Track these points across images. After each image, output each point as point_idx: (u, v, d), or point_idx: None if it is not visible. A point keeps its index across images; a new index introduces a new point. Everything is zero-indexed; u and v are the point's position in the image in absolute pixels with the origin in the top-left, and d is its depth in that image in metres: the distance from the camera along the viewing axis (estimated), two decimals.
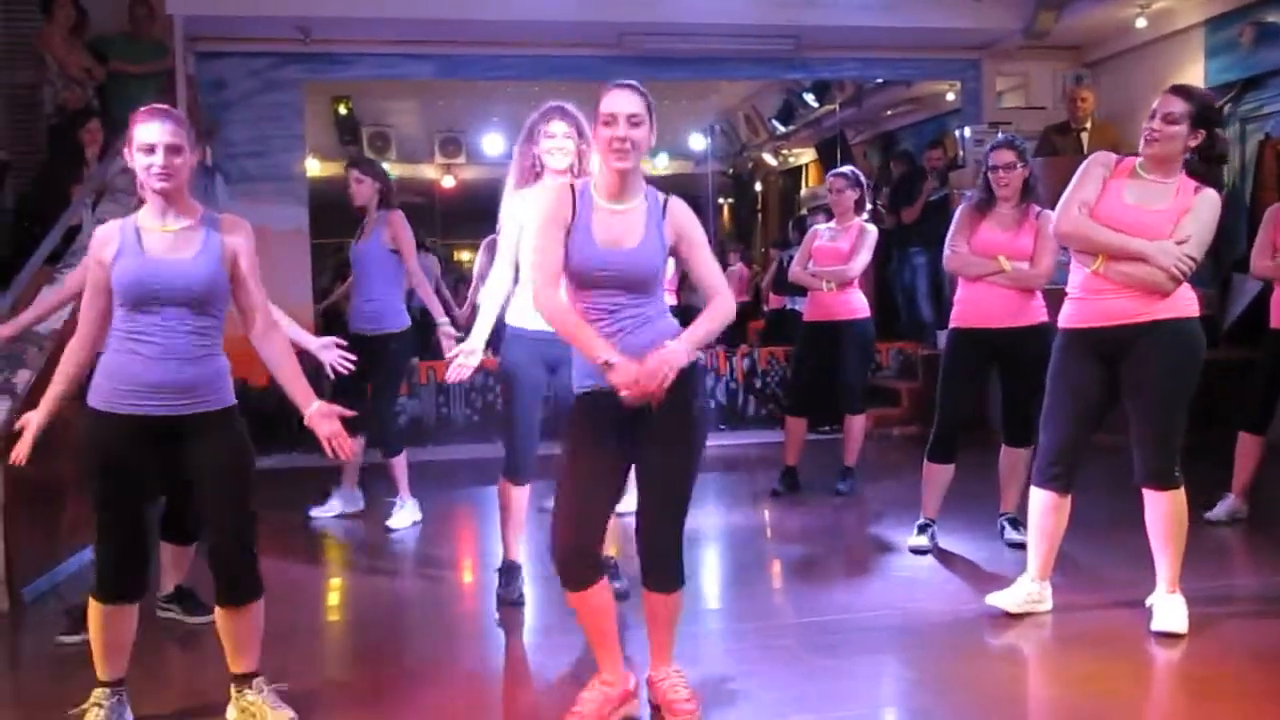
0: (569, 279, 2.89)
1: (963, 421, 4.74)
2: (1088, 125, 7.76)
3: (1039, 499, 3.76)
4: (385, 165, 11.73)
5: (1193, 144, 3.49)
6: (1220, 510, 5.01)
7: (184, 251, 2.91)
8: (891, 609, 4.03)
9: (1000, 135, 4.97)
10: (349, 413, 3.09)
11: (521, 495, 4.10)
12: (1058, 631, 3.74)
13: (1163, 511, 3.56)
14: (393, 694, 3.32)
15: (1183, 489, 3.56)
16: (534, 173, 3.92)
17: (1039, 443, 3.84)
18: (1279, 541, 4.91)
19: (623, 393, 2.75)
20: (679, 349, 2.81)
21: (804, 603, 4.24)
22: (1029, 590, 3.82)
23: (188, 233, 2.93)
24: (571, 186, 2.96)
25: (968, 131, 8.39)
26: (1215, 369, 6.58)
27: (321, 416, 3.02)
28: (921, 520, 4.81)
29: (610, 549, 4.21)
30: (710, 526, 5.62)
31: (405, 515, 5.54)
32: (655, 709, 3.04)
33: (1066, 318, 3.69)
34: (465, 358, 3.98)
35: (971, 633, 3.75)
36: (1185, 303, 3.54)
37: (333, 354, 4.11)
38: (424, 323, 6.06)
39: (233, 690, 3.05)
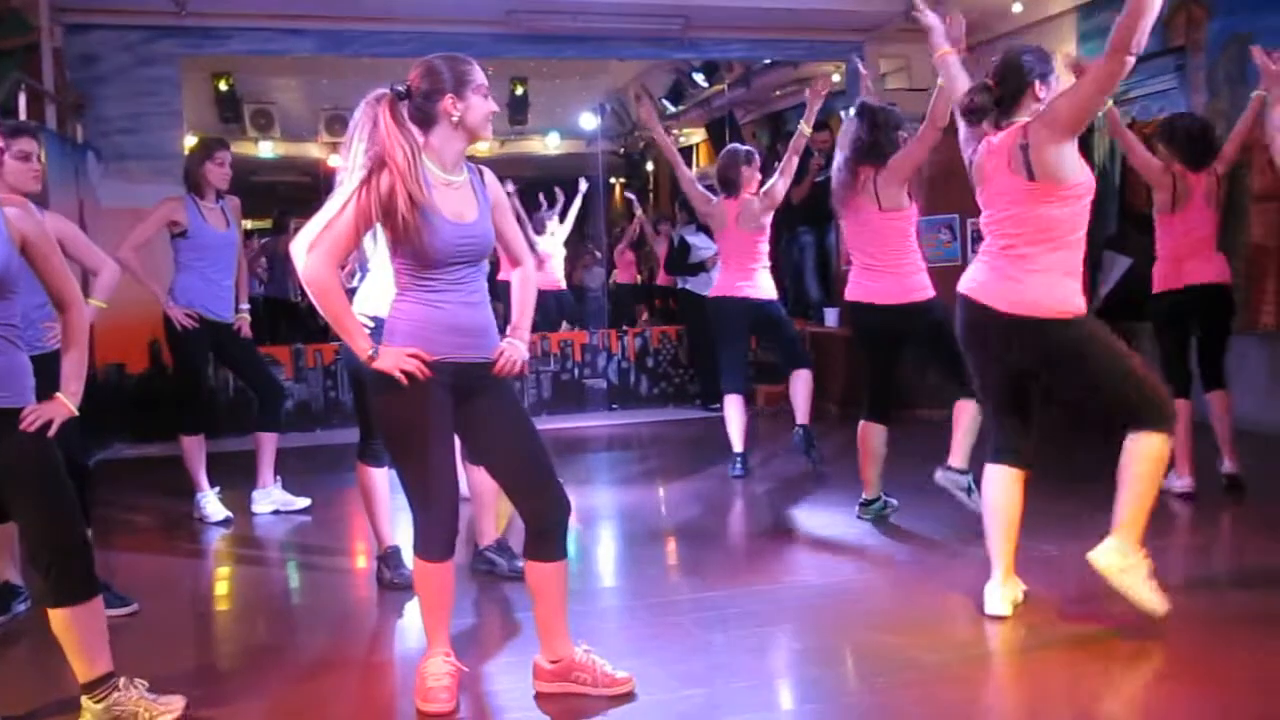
0: (417, 259, 2.85)
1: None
2: None
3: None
4: (269, 143, 11.61)
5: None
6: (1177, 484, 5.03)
7: None
8: (780, 583, 4.11)
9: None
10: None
11: (381, 476, 4.11)
12: (937, 600, 3.86)
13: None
14: (285, 683, 3.27)
15: (989, 468, 3.60)
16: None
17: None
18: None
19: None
20: (521, 344, 3.04)
21: (696, 579, 4.29)
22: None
23: None
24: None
25: (852, 113, 8.51)
26: None
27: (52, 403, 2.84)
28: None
29: (502, 530, 4.22)
30: (603, 506, 5.65)
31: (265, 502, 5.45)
32: (542, 685, 3.05)
33: None
34: None
35: (857, 603, 3.85)
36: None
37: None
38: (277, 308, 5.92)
39: (86, 700, 2.85)
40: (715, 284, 6.10)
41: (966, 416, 4.67)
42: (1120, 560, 3.39)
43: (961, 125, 3.68)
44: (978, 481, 4.07)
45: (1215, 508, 4.94)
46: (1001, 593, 3.59)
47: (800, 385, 5.89)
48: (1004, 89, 3.51)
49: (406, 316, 2.91)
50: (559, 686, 3.04)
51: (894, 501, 4.88)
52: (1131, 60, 3.18)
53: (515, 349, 3.01)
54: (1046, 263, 3.41)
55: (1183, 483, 5.03)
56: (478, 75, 2.91)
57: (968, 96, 3.58)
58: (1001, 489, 3.58)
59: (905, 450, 5.00)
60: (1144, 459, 3.39)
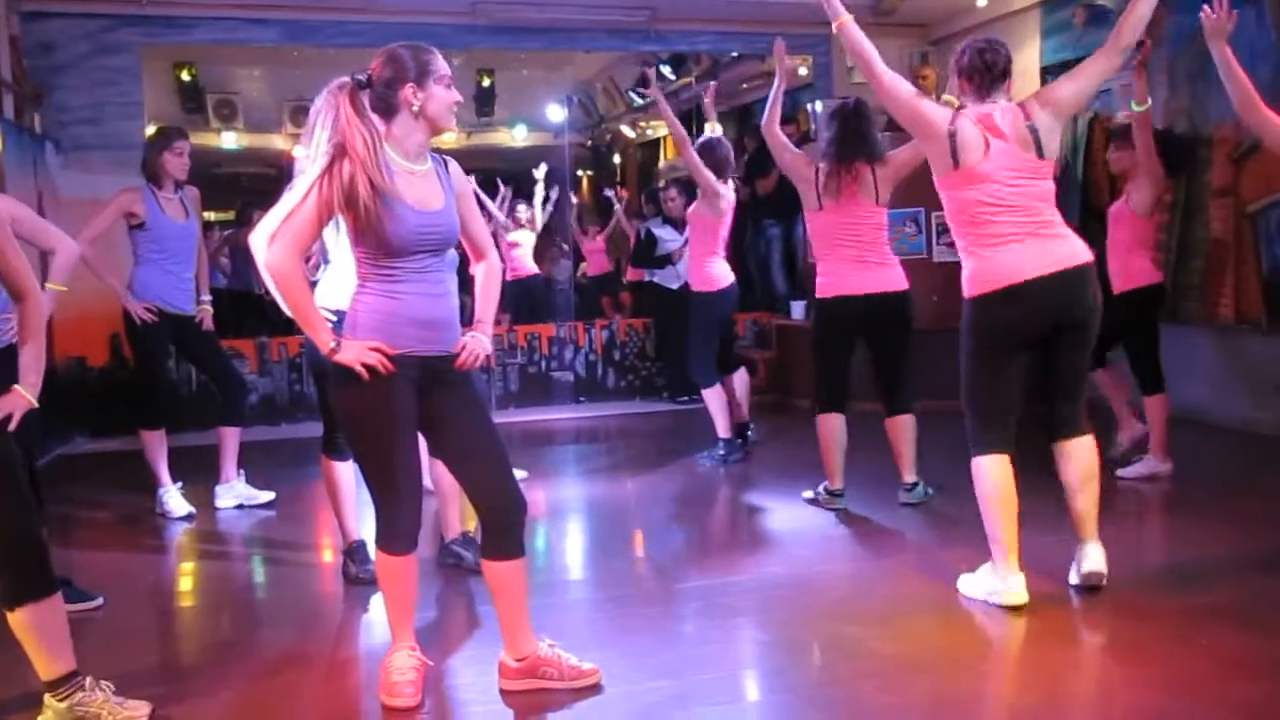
0: (381, 248, 2.83)
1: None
2: None
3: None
4: (232, 134, 11.48)
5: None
6: (1132, 470, 5.30)
7: None
8: (747, 575, 4.13)
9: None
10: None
11: (346, 470, 4.08)
12: (900, 590, 3.90)
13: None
14: (249, 680, 3.25)
15: (980, 459, 3.63)
16: None
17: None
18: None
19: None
20: (485, 337, 3.01)
21: (664, 571, 4.30)
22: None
23: None
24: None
25: (819, 106, 8.56)
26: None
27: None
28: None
29: (469, 524, 4.21)
30: (571, 499, 5.65)
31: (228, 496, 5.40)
32: (508, 683, 3.05)
33: None
34: None
35: (822, 595, 3.87)
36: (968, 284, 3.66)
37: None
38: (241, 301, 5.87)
39: (49, 699, 2.81)
40: (722, 278, 6.05)
41: (908, 430, 4.91)
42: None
43: (928, 107, 3.68)
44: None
45: (1162, 498, 5.02)
46: (1018, 581, 3.57)
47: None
48: (1003, 70, 3.66)
49: (369, 309, 2.88)
50: (526, 684, 3.04)
51: (930, 490, 4.99)
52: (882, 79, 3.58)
53: (478, 342, 2.99)
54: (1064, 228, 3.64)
55: (1164, 468, 5.26)
56: (440, 65, 2.89)
57: (999, 57, 3.65)
58: (1004, 478, 3.61)
59: (857, 443, 5.04)
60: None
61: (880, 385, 4.96)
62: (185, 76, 10.53)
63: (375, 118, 2.83)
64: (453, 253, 3.13)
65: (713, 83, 6.22)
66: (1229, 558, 4.11)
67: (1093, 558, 3.66)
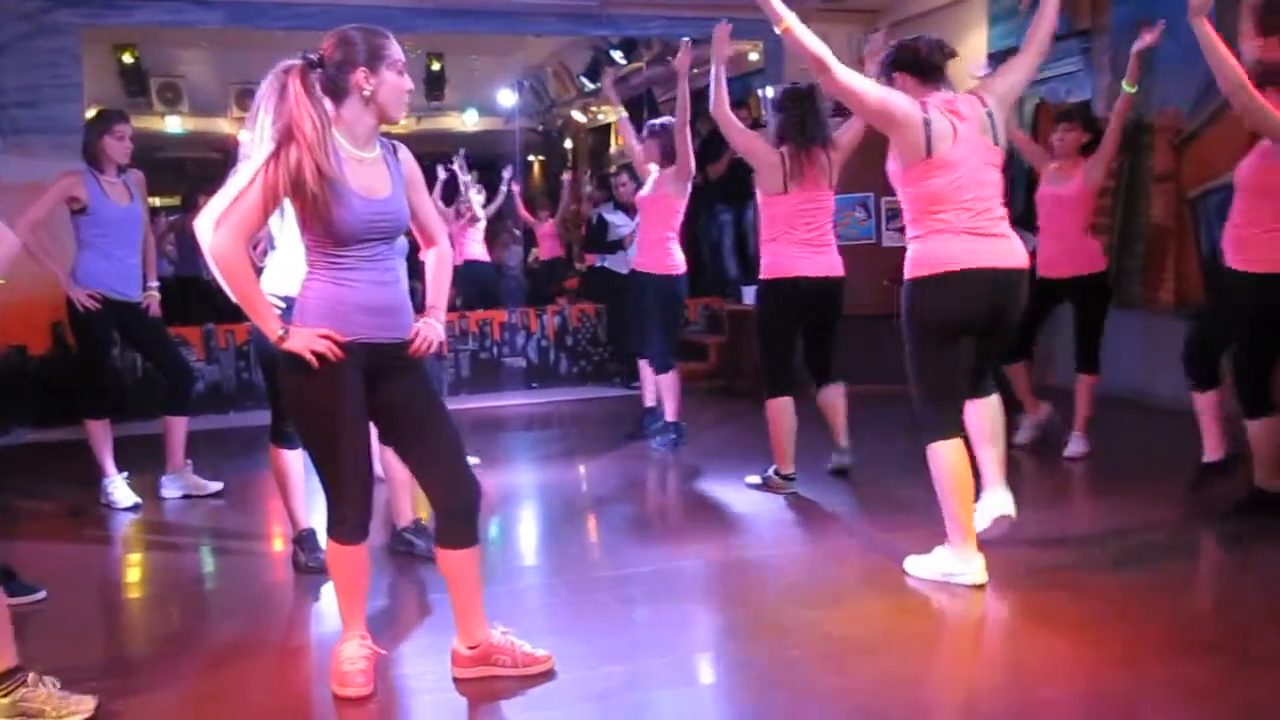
0: (329, 235, 2.80)
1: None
2: None
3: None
4: (176, 118, 11.29)
5: None
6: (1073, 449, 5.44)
7: None
8: (700, 558, 4.15)
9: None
10: None
11: (295, 458, 4.06)
12: (850, 573, 3.95)
13: (930, 466, 3.74)
14: (198, 671, 3.23)
15: (939, 444, 3.68)
16: None
17: None
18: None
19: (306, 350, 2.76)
20: (438, 324, 3.01)
21: (617, 556, 4.32)
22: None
23: None
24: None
25: (769, 91, 8.58)
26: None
27: None
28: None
29: (421, 511, 4.19)
30: (524, 484, 5.65)
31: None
32: (461, 671, 3.05)
33: None
34: None
35: (774, 577, 3.91)
36: (907, 265, 3.71)
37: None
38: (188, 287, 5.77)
39: None
40: (682, 262, 6.06)
41: (841, 399, 5.08)
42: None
43: (876, 95, 3.67)
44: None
45: (1099, 477, 5.11)
46: (979, 561, 3.65)
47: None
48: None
49: (317, 295, 2.85)
50: (479, 671, 3.03)
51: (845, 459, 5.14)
52: (836, 75, 3.54)
53: (431, 329, 2.97)
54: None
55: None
56: (394, 51, 2.85)
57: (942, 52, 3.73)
58: (961, 462, 3.67)
59: (804, 427, 5.08)
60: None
61: (813, 364, 5.11)
62: (127, 59, 10.31)
63: (325, 100, 2.79)
64: (402, 239, 3.10)
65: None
66: (1166, 536, 4.21)
67: (1005, 502, 3.84)
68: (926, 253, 3.65)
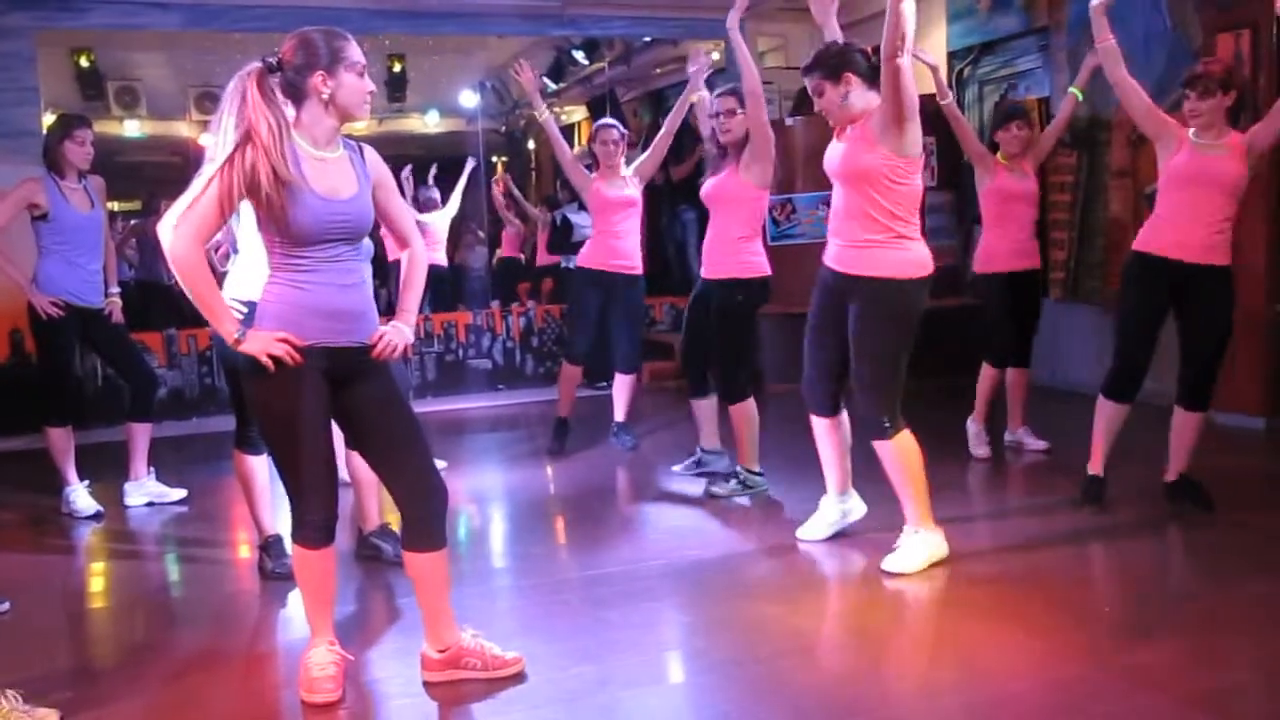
0: (289, 237, 2.79)
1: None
2: None
3: (815, 425, 4.09)
4: (135, 122, 11.17)
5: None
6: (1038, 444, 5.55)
7: None
8: (667, 558, 4.16)
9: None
10: None
11: (260, 464, 4.04)
12: (816, 569, 3.98)
13: (885, 459, 3.84)
14: (164, 681, 3.19)
15: (902, 434, 3.80)
16: None
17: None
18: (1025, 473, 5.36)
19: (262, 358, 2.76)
20: (406, 327, 2.97)
21: (585, 557, 4.32)
22: (832, 511, 4.16)
23: None
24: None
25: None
26: (963, 314, 7.16)
27: None
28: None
29: (388, 516, 4.17)
30: (491, 486, 5.64)
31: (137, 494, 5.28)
32: (431, 675, 3.04)
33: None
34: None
35: (741, 575, 3.93)
36: (892, 265, 3.74)
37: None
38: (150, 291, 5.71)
39: None
40: (640, 262, 6.03)
41: (755, 417, 4.97)
42: None
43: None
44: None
45: (1053, 470, 5.18)
46: (941, 535, 3.86)
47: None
48: None
49: (277, 299, 2.84)
50: (449, 674, 3.03)
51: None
52: (902, 62, 3.49)
53: (398, 332, 2.95)
54: None
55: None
56: (354, 53, 2.84)
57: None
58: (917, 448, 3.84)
59: (770, 425, 5.13)
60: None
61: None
62: (84, 62, 10.20)
63: (284, 103, 2.78)
64: (368, 242, 3.09)
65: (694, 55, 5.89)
66: (1120, 526, 4.27)
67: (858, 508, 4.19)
68: (917, 255, 3.77)
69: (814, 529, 4.19)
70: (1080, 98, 5.53)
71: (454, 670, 3.03)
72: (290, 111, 2.82)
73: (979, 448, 5.49)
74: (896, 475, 3.81)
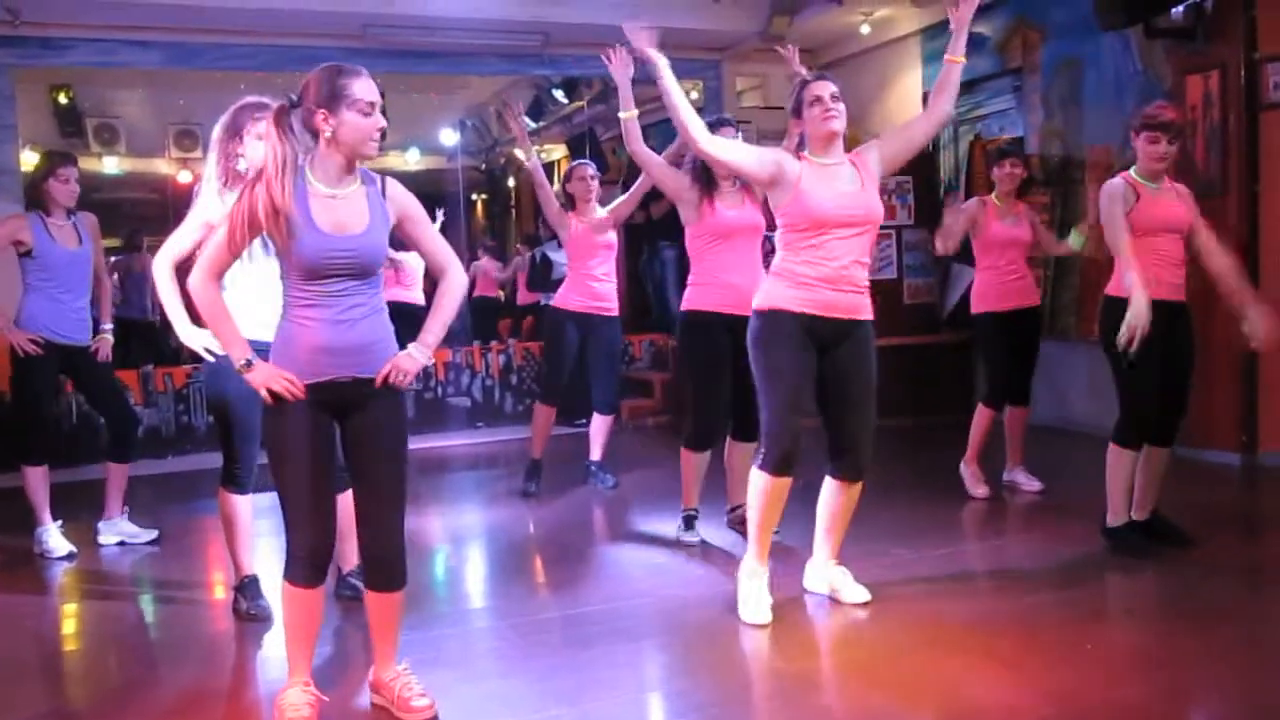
0: (295, 271, 2.83)
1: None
2: None
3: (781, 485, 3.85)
4: (114, 159, 11.17)
5: None
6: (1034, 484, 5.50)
7: None
8: (648, 597, 4.14)
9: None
10: None
11: (244, 504, 4.01)
12: (797, 605, 3.96)
13: (851, 498, 3.88)
14: None
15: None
16: (237, 173, 3.61)
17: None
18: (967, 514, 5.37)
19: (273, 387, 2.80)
20: (418, 356, 2.94)
21: (565, 596, 4.29)
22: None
23: None
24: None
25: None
26: (938, 350, 7.21)
27: None
28: (687, 512, 4.92)
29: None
30: (470, 525, 5.61)
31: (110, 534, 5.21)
32: (379, 711, 3.02)
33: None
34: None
35: (721, 615, 3.90)
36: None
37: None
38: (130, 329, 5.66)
39: None
40: (616, 303, 6.05)
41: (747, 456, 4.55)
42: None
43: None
44: None
45: (1039, 508, 5.20)
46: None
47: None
48: None
49: (282, 333, 2.89)
50: (375, 699, 3.11)
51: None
52: (698, 140, 3.99)
53: (410, 359, 2.92)
54: None
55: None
56: (358, 90, 2.82)
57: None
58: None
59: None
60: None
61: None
62: (63, 99, 10.21)
63: (299, 138, 2.83)
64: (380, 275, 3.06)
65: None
66: (1108, 561, 4.28)
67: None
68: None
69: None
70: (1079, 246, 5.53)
71: (375, 696, 3.11)
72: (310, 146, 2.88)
73: (977, 487, 5.43)
74: (842, 514, 3.94)
